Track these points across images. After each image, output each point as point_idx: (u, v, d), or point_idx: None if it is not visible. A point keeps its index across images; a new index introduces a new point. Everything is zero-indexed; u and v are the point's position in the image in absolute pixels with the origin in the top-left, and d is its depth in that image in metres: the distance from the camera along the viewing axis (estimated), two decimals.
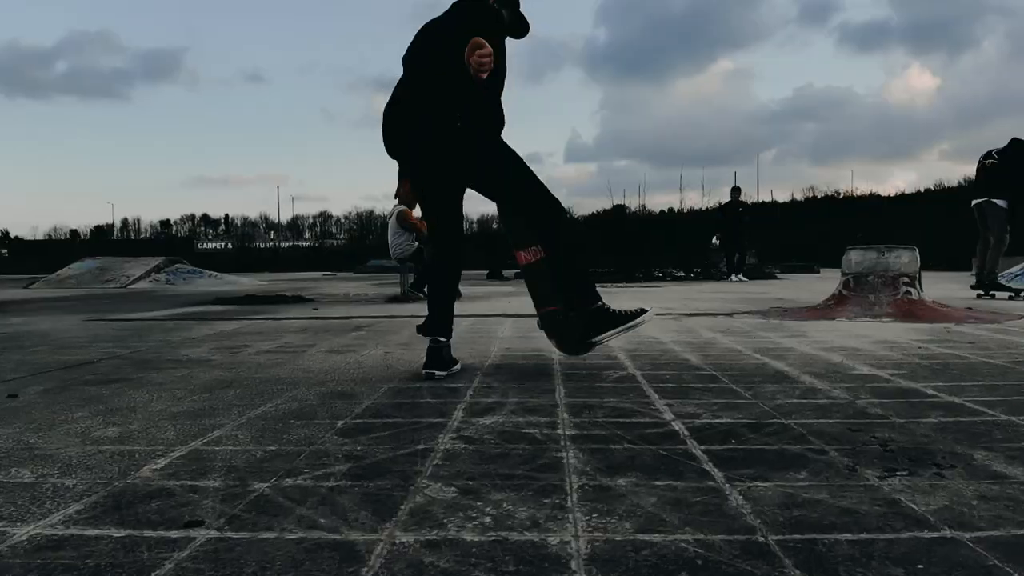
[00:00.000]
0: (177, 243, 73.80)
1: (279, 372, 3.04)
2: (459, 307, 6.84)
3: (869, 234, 40.17)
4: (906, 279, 5.58)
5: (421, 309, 6.67)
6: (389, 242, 8.49)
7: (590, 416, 2.12)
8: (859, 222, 46.35)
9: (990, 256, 8.11)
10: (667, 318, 5.49)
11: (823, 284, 11.73)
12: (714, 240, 13.84)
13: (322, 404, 2.35)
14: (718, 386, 2.60)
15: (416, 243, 8.48)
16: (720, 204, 16.81)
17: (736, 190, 14.72)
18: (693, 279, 14.18)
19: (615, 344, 3.81)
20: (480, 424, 2.03)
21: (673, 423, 2.03)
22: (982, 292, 8.08)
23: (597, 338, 2.87)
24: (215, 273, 16.12)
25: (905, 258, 5.64)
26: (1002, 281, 8.93)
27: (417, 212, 8.47)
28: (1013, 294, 7.99)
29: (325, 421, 2.10)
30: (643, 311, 2.95)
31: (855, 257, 5.77)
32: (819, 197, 59.94)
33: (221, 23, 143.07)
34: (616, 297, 8.24)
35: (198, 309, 7.26)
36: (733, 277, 13.62)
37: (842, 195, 60.82)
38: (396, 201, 8.53)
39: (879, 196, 62.53)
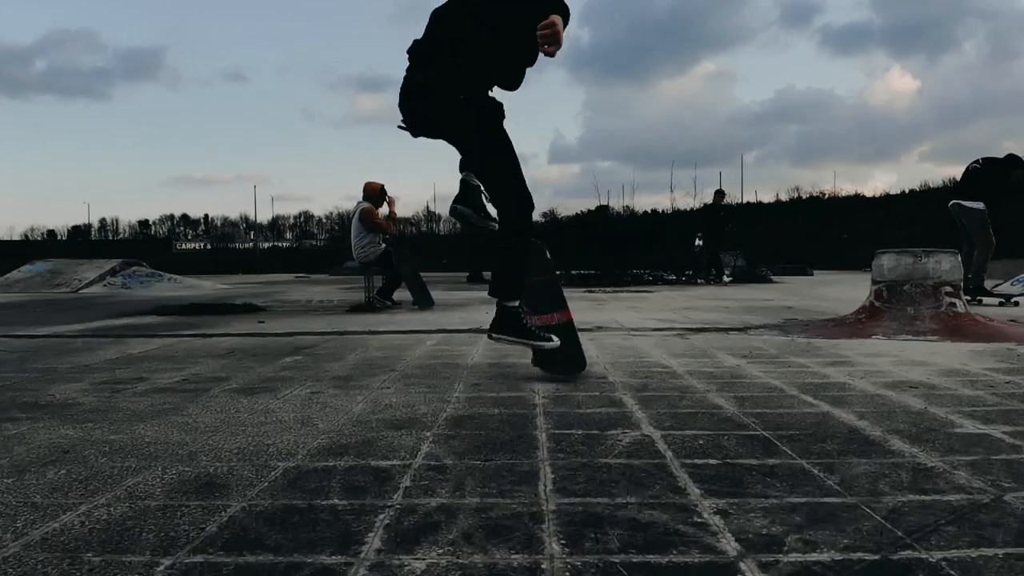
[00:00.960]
0: (155, 243, 72.38)
1: (146, 432, 2.15)
2: (426, 320, 5.94)
3: (855, 235, 39.63)
4: (948, 289, 4.77)
5: (382, 323, 5.82)
6: (352, 244, 7.58)
7: (599, 547, 1.24)
8: (845, 223, 46.05)
9: (975, 260, 7.62)
10: (671, 335, 4.63)
11: (824, 288, 10.96)
12: (697, 242, 13.06)
13: (164, 510, 1.46)
14: (782, 463, 1.74)
15: (383, 245, 7.58)
16: (704, 205, 16.02)
17: (719, 193, 13.97)
18: (685, 283, 13.36)
19: (617, 379, 2.94)
20: (406, 573, 1.15)
21: (744, 565, 1.17)
22: (969, 298, 7.50)
23: (496, 335, 2.93)
24: (176, 277, 15.11)
25: (946, 264, 4.83)
26: (1014, 286, 8.32)
27: (384, 210, 7.59)
28: (1003, 300, 7.37)
29: (141, 558, 1.22)
30: (550, 339, 2.90)
31: (887, 263, 4.94)
32: (804, 198, 59.69)
33: (203, 22, 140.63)
34: (606, 307, 7.40)
35: (127, 322, 6.32)
36: (725, 278, 12.85)
37: (827, 195, 60.65)
38: (360, 198, 7.62)
39: (864, 196, 62.46)
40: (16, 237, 77.68)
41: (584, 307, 7.27)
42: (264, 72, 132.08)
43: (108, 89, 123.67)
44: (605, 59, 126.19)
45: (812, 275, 18.81)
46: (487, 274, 18.58)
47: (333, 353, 3.91)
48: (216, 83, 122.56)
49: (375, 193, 7.47)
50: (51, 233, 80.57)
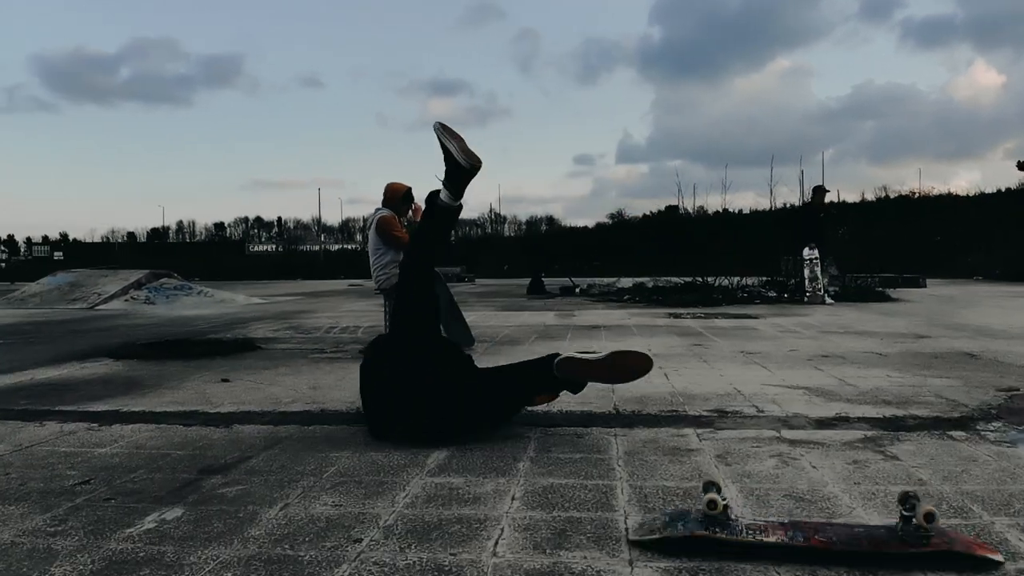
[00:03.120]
0: (228, 245, 73.30)
1: None
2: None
3: (948, 236, 36.18)
4: None
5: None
6: (370, 263, 5.82)
7: None
8: (936, 223, 42.57)
9: None
10: (856, 441, 2.68)
11: (968, 312, 8.53)
12: (807, 251, 10.80)
13: None
14: None
15: None
16: (801, 205, 13.66)
17: (819, 190, 11.64)
18: (786, 300, 11.19)
19: None
20: None
21: None
22: None
23: None
24: (206, 290, 13.74)
25: None
26: None
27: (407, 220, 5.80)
28: None
29: None
30: None
31: None
32: (892, 197, 55.86)
33: (279, 29, 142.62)
34: (710, 352, 4.93)
35: (54, 374, 4.71)
36: (827, 299, 10.62)
37: (917, 195, 56.73)
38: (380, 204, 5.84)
39: (956, 195, 58.29)
40: (96, 239, 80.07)
41: (679, 352, 5.33)
42: (339, 77, 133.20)
43: (190, 95, 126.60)
44: (675, 57, 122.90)
45: (926, 286, 16.31)
46: (552, 284, 16.66)
47: (232, 510, 2.08)
48: (292, 89, 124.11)
49: (397, 197, 5.67)
50: (131, 235, 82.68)
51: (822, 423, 3.00)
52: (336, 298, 15.17)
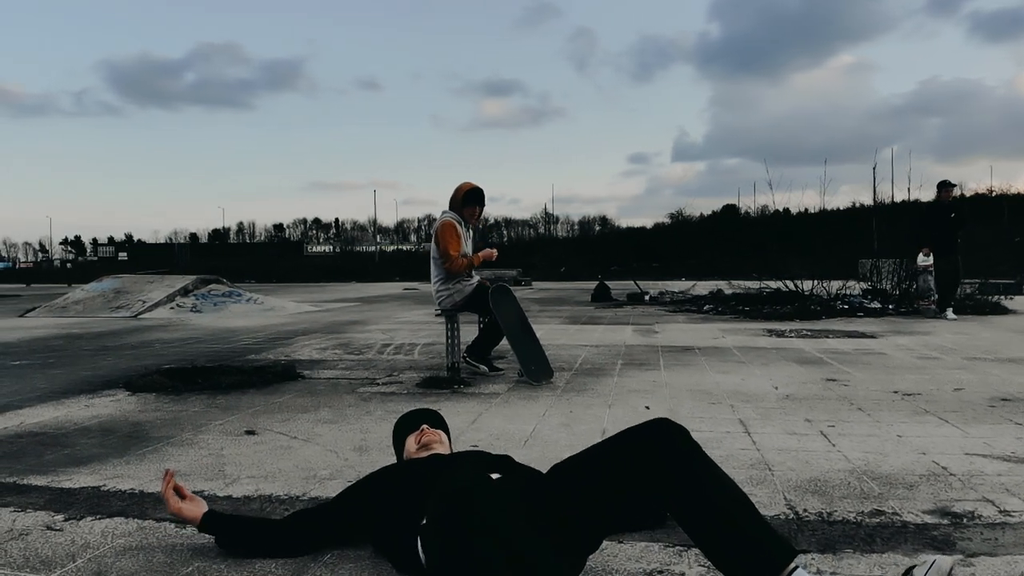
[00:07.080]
0: (288, 246, 74.31)
1: None
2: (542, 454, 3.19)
3: None
4: None
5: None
6: (431, 273, 4.92)
7: None
8: (1017, 223, 40.11)
9: None
10: None
11: None
12: (921, 257, 9.54)
13: None
14: None
15: (474, 279, 4.89)
16: (924, 204, 12.24)
17: (946, 185, 10.01)
18: (892, 312, 9.94)
19: None
20: None
21: None
22: None
23: None
24: (256, 296, 13.09)
25: None
26: None
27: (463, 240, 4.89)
28: None
29: None
30: None
31: None
32: (967, 196, 53.17)
33: (338, 32, 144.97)
34: (854, 388, 4.01)
35: (57, 414, 3.92)
36: (950, 314, 9.28)
37: (994, 193, 53.90)
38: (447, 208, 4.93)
39: None
40: (160, 240, 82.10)
41: (816, 394, 4.29)
42: (395, 79, 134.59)
43: (251, 99, 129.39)
44: (734, 54, 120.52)
45: None
46: (617, 288, 15.64)
47: None
48: (351, 91, 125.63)
49: (457, 197, 4.76)
50: (193, 236, 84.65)
51: None
52: (391, 305, 14.40)
